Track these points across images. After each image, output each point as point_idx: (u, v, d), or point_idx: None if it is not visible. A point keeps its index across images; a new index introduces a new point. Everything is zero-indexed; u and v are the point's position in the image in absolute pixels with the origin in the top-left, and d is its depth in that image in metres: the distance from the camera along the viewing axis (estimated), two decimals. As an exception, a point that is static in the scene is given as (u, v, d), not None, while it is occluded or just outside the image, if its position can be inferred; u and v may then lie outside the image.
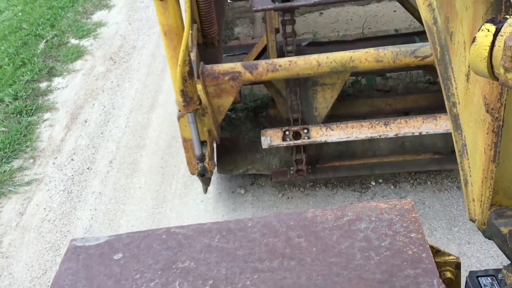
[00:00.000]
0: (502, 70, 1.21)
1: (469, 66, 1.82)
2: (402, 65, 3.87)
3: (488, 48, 1.23)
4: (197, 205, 4.71)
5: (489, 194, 1.80)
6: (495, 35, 1.22)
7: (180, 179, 4.98)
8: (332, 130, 4.04)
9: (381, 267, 1.24)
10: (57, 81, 6.54)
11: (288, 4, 4.07)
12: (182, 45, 3.39)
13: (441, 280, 1.18)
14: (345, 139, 4.04)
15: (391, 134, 3.97)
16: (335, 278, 1.24)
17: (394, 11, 6.74)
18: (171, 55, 3.54)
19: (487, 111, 1.65)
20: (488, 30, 1.23)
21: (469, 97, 1.84)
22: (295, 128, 4.09)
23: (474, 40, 1.27)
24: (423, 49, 3.79)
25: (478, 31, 1.25)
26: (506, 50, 1.14)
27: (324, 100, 4.35)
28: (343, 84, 4.22)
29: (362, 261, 1.26)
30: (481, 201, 1.85)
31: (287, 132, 4.08)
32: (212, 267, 1.32)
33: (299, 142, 4.06)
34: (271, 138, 4.09)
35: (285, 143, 4.08)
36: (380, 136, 3.99)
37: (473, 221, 1.92)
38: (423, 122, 3.97)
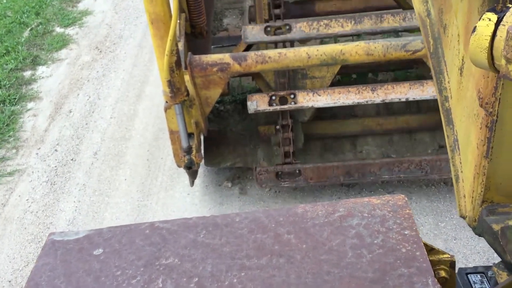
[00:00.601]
0: (503, 62, 1.16)
1: (462, 59, 1.77)
2: (393, 58, 3.83)
3: (489, 38, 1.18)
4: (184, 198, 4.64)
5: (480, 190, 1.76)
6: (497, 25, 1.17)
7: (166, 172, 4.91)
8: (319, 95, 3.98)
9: (374, 265, 1.19)
10: (41, 70, 6.41)
11: (285, 106, 4.01)
12: (170, 35, 3.31)
13: (436, 280, 1.14)
14: (332, 105, 3.97)
15: (378, 100, 3.93)
16: (325, 276, 1.19)
17: None
18: (158, 45, 3.47)
19: (481, 106, 1.60)
20: (490, 20, 1.18)
21: (462, 91, 1.80)
22: (282, 93, 4.02)
23: (474, 29, 1.22)
24: (414, 43, 3.75)
25: (479, 20, 1.20)
26: (509, 40, 1.09)
27: (313, 93, 4.29)
28: (332, 78, 4.17)
29: (354, 259, 1.21)
30: (472, 197, 1.81)
31: (273, 97, 4.01)
32: (197, 264, 1.27)
33: (285, 107, 3.98)
34: (257, 102, 4.02)
35: (271, 108, 4.00)
36: (367, 102, 3.95)
37: (464, 217, 1.88)
38: (410, 88, 3.93)
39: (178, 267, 1.27)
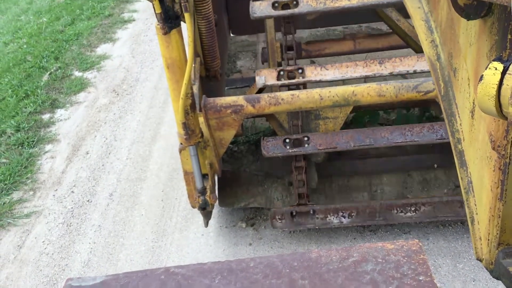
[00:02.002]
0: (510, 109, 1.18)
1: (473, 102, 1.79)
2: (405, 99, 3.86)
3: (496, 87, 1.20)
4: (198, 238, 4.64)
5: (496, 233, 1.76)
6: (503, 74, 1.20)
7: (180, 212, 4.93)
8: (327, 69, 4.01)
9: (388, 312, 1.19)
10: (59, 112, 6.54)
11: (294, 81, 4.08)
12: (185, 79, 3.39)
13: (451, 327, 1.13)
14: (340, 78, 3.99)
15: (385, 72, 3.94)
16: (340, 323, 1.19)
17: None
18: (173, 88, 3.54)
19: (493, 149, 1.62)
20: (496, 69, 1.21)
21: (474, 133, 1.81)
22: (290, 68, 4.06)
23: (481, 78, 1.25)
24: (426, 84, 3.78)
25: (486, 69, 1.24)
26: (515, 88, 1.11)
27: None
28: (345, 118, 4.20)
29: (369, 305, 1.21)
30: (488, 239, 1.80)
31: (281, 72, 4.04)
32: (212, 310, 1.27)
33: (294, 81, 4.01)
34: (266, 77, 4.05)
35: (279, 83, 4.03)
36: (375, 75, 3.96)
37: (480, 260, 1.87)
38: (418, 60, 3.95)
39: (194, 314, 1.27)
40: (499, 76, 1.19)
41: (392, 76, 4.76)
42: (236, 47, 6.96)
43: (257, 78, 4.05)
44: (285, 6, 4.18)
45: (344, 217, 4.14)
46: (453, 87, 2.07)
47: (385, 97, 3.78)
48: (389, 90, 3.76)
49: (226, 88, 5.82)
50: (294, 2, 4.15)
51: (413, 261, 1.28)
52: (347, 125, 5.00)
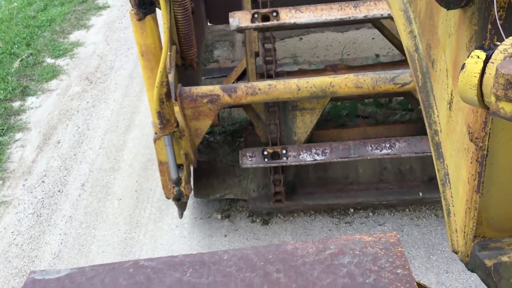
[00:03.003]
0: (493, 99, 1.15)
1: (451, 94, 1.76)
2: (382, 91, 3.85)
3: (478, 76, 1.17)
4: (172, 230, 4.58)
5: (472, 225, 1.74)
6: (486, 62, 1.16)
7: (155, 203, 4.85)
8: (302, 12, 3.97)
9: (366, 306, 1.15)
10: (30, 100, 6.38)
11: (268, 23, 4.02)
12: (160, 67, 3.30)
13: (430, 322, 1.09)
14: (314, 21, 3.93)
15: (360, 16, 3.91)
16: (316, 318, 1.14)
17: (373, 38, 6.77)
18: (148, 76, 3.46)
19: (471, 140, 1.59)
20: (478, 57, 1.18)
21: (451, 125, 1.79)
22: (264, 11, 4.02)
23: (463, 67, 1.21)
24: (403, 76, 3.77)
25: (468, 57, 1.20)
26: (498, 77, 1.08)
27: (303, 125, 4.30)
28: (322, 109, 4.17)
29: (345, 299, 1.17)
30: (464, 232, 1.78)
31: (255, 15, 4.00)
32: (183, 304, 1.22)
33: (268, 24, 3.96)
34: (240, 19, 4.00)
35: (253, 25, 3.98)
36: (349, 18, 3.94)
37: (456, 252, 1.85)
38: None
39: (163, 308, 1.22)
40: (481, 65, 1.15)
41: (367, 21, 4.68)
42: (213, 36, 6.87)
43: (230, 20, 3.98)
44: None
45: (318, 154, 4.06)
46: (431, 78, 2.04)
47: (362, 89, 3.75)
48: (367, 82, 3.74)
49: (202, 78, 5.73)
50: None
51: (391, 253, 1.24)
52: (324, 117, 4.98)
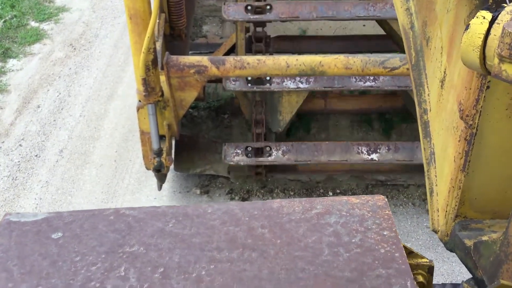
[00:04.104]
0: (496, 61, 1.13)
1: (444, 72, 1.75)
2: (371, 74, 3.83)
3: (482, 37, 1.14)
4: (150, 202, 4.52)
5: (455, 205, 1.73)
6: (491, 23, 1.14)
7: (133, 174, 4.78)
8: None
9: (351, 264, 1.13)
10: (11, 62, 6.23)
11: (260, 16, 3.98)
12: (148, 32, 3.23)
13: (415, 282, 1.08)
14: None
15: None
16: (299, 273, 1.12)
17: (364, 25, 6.75)
18: (135, 41, 3.38)
19: (461, 118, 1.58)
20: (484, 18, 1.15)
21: (442, 103, 1.78)
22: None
23: (467, 27, 1.18)
24: (392, 60, 3.75)
25: (473, 18, 1.17)
26: (505, 37, 1.06)
27: (289, 105, 4.27)
28: (309, 91, 4.15)
29: (330, 257, 1.14)
30: (446, 211, 1.78)
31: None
32: (163, 253, 1.18)
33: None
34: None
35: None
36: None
37: (436, 231, 1.85)
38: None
39: (143, 256, 1.18)
40: (486, 26, 1.13)
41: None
42: (203, 11, 6.77)
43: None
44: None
45: (302, 83, 4.06)
46: (424, 57, 2.02)
47: (351, 70, 3.72)
48: (356, 64, 3.71)
49: (190, 52, 5.65)
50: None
51: (378, 216, 1.23)
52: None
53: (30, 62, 6.23)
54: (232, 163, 3.99)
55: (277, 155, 3.95)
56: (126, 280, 1.14)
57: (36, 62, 6.23)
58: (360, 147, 3.96)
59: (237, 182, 4.59)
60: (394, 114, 4.93)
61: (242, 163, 3.99)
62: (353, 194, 4.61)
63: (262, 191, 4.59)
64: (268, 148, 3.94)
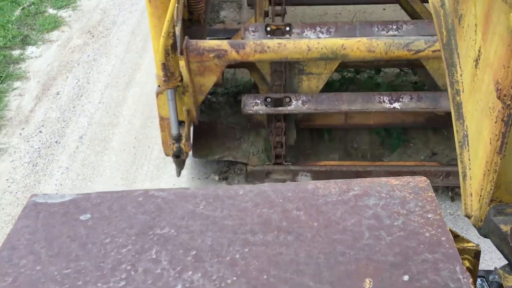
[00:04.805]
0: None
1: (479, 50, 1.68)
2: (394, 57, 3.74)
3: None
4: (169, 188, 4.50)
5: (490, 189, 1.67)
6: None
7: (152, 161, 4.76)
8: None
9: (394, 248, 1.07)
10: (30, 49, 6.22)
11: None
12: (168, 15, 3.17)
13: (464, 267, 1.02)
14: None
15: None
16: (339, 257, 1.07)
17: (384, 9, 6.63)
18: (154, 25, 3.32)
19: (499, 98, 1.51)
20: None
21: (476, 83, 1.71)
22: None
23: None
24: (417, 43, 3.66)
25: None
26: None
27: (309, 90, 4.19)
28: (329, 75, 4.06)
29: (372, 240, 1.09)
30: (480, 195, 1.71)
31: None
32: (195, 236, 1.14)
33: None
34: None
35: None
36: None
37: (469, 217, 1.78)
38: None
39: (174, 238, 1.14)
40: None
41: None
42: (220, -4, 6.70)
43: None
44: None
45: (322, 33, 3.98)
46: (456, 36, 1.95)
47: (374, 53, 3.64)
48: (380, 46, 3.63)
49: (207, 38, 5.59)
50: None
51: (420, 198, 1.16)
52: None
53: (49, 49, 6.22)
54: (251, 112, 3.92)
55: (296, 104, 3.87)
56: (158, 262, 1.10)
57: (54, 49, 6.22)
58: (382, 97, 3.88)
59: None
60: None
61: (261, 112, 3.91)
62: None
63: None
64: (287, 99, 3.87)
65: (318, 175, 4.07)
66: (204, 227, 1.15)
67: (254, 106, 3.89)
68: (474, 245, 1.30)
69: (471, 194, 1.80)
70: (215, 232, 1.14)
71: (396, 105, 3.83)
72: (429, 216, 1.13)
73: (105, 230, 1.16)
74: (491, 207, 1.70)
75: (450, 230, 1.15)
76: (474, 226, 1.77)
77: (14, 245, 1.14)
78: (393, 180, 1.22)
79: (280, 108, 3.87)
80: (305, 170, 4.13)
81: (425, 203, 1.16)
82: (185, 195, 1.23)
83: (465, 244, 1.26)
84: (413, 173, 3.88)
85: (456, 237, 1.25)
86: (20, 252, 1.13)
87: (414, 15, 4.97)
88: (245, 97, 3.93)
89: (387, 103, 3.84)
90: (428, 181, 1.23)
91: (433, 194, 1.19)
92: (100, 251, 1.12)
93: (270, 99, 3.87)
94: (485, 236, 1.71)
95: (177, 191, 1.25)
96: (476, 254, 1.26)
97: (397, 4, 5.33)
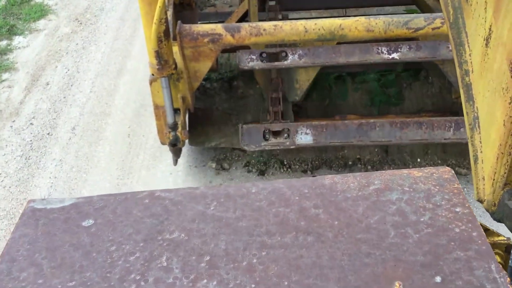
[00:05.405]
0: None
1: (490, 28, 1.60)
2: (393, 36, 3.65)
3: None
4: (166, 177, 4.42)
5: (504, 172, 1.59)
6: None
7: (148, 150, 4.66)
8: None
9: (423, 247, 1.00)
10: (17, 40, 6.07)
11: None
12: (159, 1, 3.06)
13: (500, 266, 0.95)
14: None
15: None
16: (365, 259, 0.99)
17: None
18: (146, 11, 3.20)
19: (514, 77, 1.43)
20: None
21: (487, 63, 1.63)
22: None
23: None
24: (417, 20, 3.57)
25: None
26: None
27: (305, 73, 4.11)
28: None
29: (398, 239, 1.01)
30: (493, 179, 1.64)
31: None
32: (208, 240, 1.06)
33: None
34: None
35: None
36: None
37: (481, 201, 1.72)
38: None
39: (185, 243, 1.06)
40: None
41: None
42: (210, -21, 6.54)
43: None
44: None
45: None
46: (463, 14, 1.86)
47: (373, 33, 3.54)
48: (378, 25, 3.53)
49: (199, 22, 5.46)
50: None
51: (446, 190, 1.09)
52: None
53: (36, 39, 6.07)
54: (246, 68, 3.81)
55: (293, 58, 3.77)
56: (170, 271, 1.02)
57: (42, 39, 6.07)
58: (380, 48, 3.79)
59: (253, 155, 4.46)
60: None
61: (257, 68, 3.81)
62: (377, 167, 4.48)
63: (279, 163, 4.47)
64: (283, 54, 3.77)
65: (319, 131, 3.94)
66: (216, 230, 1.07)
67: (250, 62, 3.78)
68: (505, 238, 1.23)
69: (483, 178, 1.73)
70: (229, 235, 1.06)
71: (395, 55, 3.76)
72: (457, 210, 1.05)
73: (110, 237, 1.08)
74: (505, 191, 1.64)
75: (481, 224, 1.07)
76: (487, 210, 1.71)
77: (13, 256, 1.06)
78: (415, 172, 1.14)
79: (276, 63, 3.76)
80: (304, 125, 3.99)
81: (452, 196, 1.08)
82: (194, 195, 1.15)
83: (496, 238, 1.19)
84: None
85: (486, 230, 1.18)
86: (20, 264, 1.04)
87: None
88: (240, 53, 3.81)
89: (385, 53, 3.76)
90: (453, 172, 1.15)
91: (460, 186, 1.12)
92: (106, 260, 1.04)
93: (265, 54, 3.76)
94: (499, 221, 1.65)
95: (185, 191, 1.17)
96: (508, 248, 1.19)
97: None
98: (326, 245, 1.02)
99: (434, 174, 1.13)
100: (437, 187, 1.11)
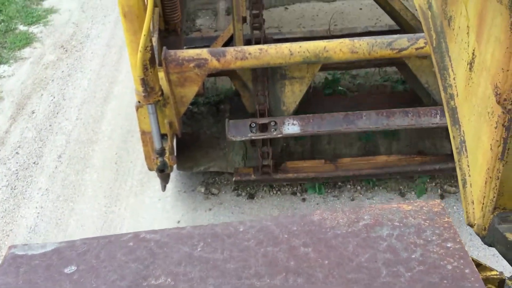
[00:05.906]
0: None
1: (473, 53, 1.60)
2: (378, 57, 3.67)
3: None
4: (154, 203, 4.37)
5: (493, 196, 1.58)
6: None
7: (136, 176, 4.62)
8: None
9: (415, 286, 0.97)
10: (2, 68, 6.03)
11: None
12: (144, 29, 3.05)
13: (495, 304, 0.93)
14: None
15: None
16: (356, 300, 0.96)
17: (360, 8, 6.58)
18: (130, 40, 3.20)
19: (498, 102, 1.43)
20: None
21: (472, 87, 1.63)
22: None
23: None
24: (400, 41, 3.59)
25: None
26: None
27: (292, 95, 4.11)
28: (312, 78, 3.98)
29: (390, 278, 0.99)
30: (482, 203, 1.63)
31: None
32: (195, 284, 1.02)
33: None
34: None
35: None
36: None
37: (472, 225, 1.71)
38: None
39: (172, 289, 1.02)
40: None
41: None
42: (195, 4, 6.58)
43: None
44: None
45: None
46: (446, 38, 1.86)
47: (357, 54, 3.56)
48: (362, 47, 3.55)
49: (184, 47, 5.47)
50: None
51: (437, 224, 1.07)
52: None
53: (22, 67, 6.03)
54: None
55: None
56: (156, 319, 0.98)
57: (27, 67, 6.04)
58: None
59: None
60: None
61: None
62: (367, 187, 4.47)
63: (268, 185, 4.45)
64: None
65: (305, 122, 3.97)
66: (204, 273, 1.04)
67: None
68: (498, 273, 1.21)
69: (472, 202, 1.72)
70: (217, 279, 1.03)
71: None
72: (449, 245, 1.03)
73: (93, 284, 1.04)
74: (494, 215, 1.63)
75: (472, 259, 1.05)
76: (478, 235, 1.70)
77: (-8, 308, 1.02)
78: (405, 206, 1.12)
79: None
80: (291, 117, 4.02)
81: (443, 231, 1.06)
82: (180, 236, 1.12)
83: (488, 273, 1.17)
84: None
85: (478, 265, 1.16)
86: (-1, 315, 1.00)
87: (390, 11, 4.92)
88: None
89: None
90: (443, 205, 1.14)
91: (450, 219, 1.10)
92: (90, 310, 1.00)
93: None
94: (489, 245, 1.63)
95: (171, 231, 1.14)
96: (500, 283, 1.17)
97: (374, 4, 5.26)
98: (316, 287, 0.99)
99: (424, 208, 1.11)
100: (427, 221, 1.09)
